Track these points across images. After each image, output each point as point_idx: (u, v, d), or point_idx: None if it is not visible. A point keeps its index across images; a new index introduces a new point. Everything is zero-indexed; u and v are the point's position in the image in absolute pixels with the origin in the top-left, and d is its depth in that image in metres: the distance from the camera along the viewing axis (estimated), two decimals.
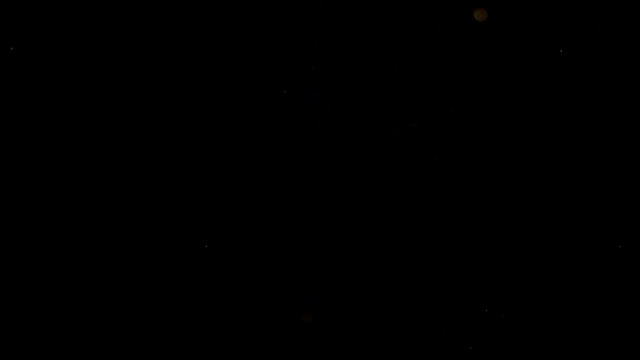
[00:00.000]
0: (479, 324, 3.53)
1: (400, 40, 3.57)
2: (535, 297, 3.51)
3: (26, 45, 3.59)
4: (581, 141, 3.53)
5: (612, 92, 3.53)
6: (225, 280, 3.58)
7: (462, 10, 3.56)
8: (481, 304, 3.53)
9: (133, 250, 3.57)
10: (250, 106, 3.60)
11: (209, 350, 3.56)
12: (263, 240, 3.58)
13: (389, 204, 3.57)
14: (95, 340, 3.55)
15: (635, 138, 3.52)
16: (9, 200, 3.58)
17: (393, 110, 3.57)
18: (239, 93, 3.60)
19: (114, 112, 3.59)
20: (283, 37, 3.59)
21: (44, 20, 3.59)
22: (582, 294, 3.51)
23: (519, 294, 3.52)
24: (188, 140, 3.59)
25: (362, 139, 3.58)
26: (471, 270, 3.54)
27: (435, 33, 3.56)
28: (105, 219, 3.58)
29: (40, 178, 3.58)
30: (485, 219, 3.54)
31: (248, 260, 3.58)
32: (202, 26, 3.59)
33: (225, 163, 3.59)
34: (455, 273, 3.54)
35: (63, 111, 3.59)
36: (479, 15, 3.20)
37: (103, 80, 3.59)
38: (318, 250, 3.58)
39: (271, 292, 3.57)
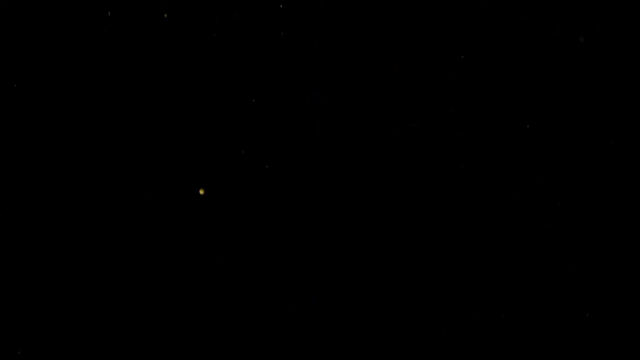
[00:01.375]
0: (479, 324, 3.53)
1: (400, 40, 3.57)
2: (535, 297, 3.51)
3: (26, 45, 3.59)
4: (581, 141, 3.53)
5: (612, 92, 3.53)
6: (225, 280, 3.58)
7: (462, 10, 3.56)
8: (481, 304, 3.53)
9: (133, 250, 3.57)
10: (250, 106, 3.60)
11: (209, 350, 3.56)
12: (263, 240, 3.58)
13: (389, 204, 3.57)
14: (96, 340, 3.55)
15: (636, 138, 3.52)
16: (9, 201, 3.58)
17: (393, 110, 3.57)
18: (239, 93, 3.60)
19: (113, 112, 3.59)
20: (283, 37, 3.59)
21: (44, 20, 3.59)
22: (582, 294, 3.51)
23: (519, 293, 3.52)
24: (188, 140, 3.59)
25: (362, 139, 3.57)
26: (471, 270, 3.54)
27: (435, 33, 3.56)
28: (106, 219, 3.58)
29: (40, 178, 3.58)
30: (485, 219, 3.54)
31: (248, 260, 3.58)
32: (202, 26, 3.59)
33: (225, 163, 3.59)
34: (455, 273, 3.54)
35: (63, 111, 3.59)
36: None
37: (103, 80, 3.59)
38: (318, 250, 3.58)
39: (271, 292, 3.57)
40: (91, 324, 3.55)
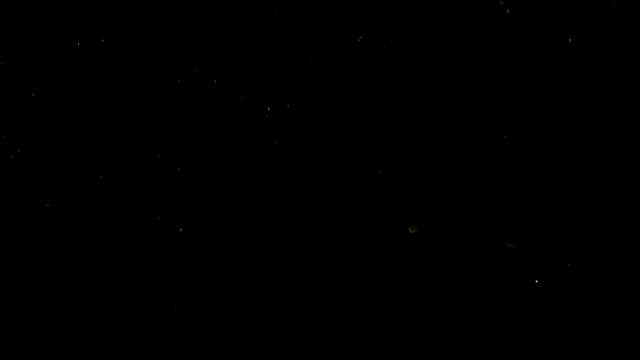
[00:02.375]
0: (478, 324, 3.53)
1: (400, 39, 3.57)
2: (534, 298, 3.51)
3: (26, 45, 3.60)
4: (581, 141, 3.53)
5: (612, 91, 3.52)
6: (226, 280, 3.59)
7: (463, 11, 3.56)
8: (481, 304, 3.53)
9: (133, 250, 3.59)
10: (250, 106, 3.61)
11: (209, 350, 3.57)
12: (263, 239, 3.59)
13: (389, 204, 3.57)
14: (96, 340, 3.57)
15: (636, 138, 3.51)
16: (8, 200, 3.60)
17: (393, 110, 3.58)
18: (240, 93, 3.61)
19: (113, 112, 3.60)
20: (283, 37, 3.59)
21: (44, 20, 3.61)
22: (582, 294, 3.51)
23: (518, 295, 3.52)
24: (187, 140, 3.60)
25: (362, 139, 3.58)
26: (471, 270, 3.54)
27: (436, 32, 3.56)
28: (105, 218, 3.59)
29: (39, 178, 3.59)
30: (485, 219, 3.55)
31: (248, 259, 3.59)
32: (202, 26, 3.60)
33: (225, 163, 3.60)
34: (455, 273, 3.54)
35: (63, 111, 3.61)
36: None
37: (102, 80, 3.60)
38: (319, 250, 3.58)
39: (272, 291, 3.58)
40: (91, 323, 3.57)
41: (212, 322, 3.58)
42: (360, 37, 3.57)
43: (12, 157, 3.60)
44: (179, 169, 3.58)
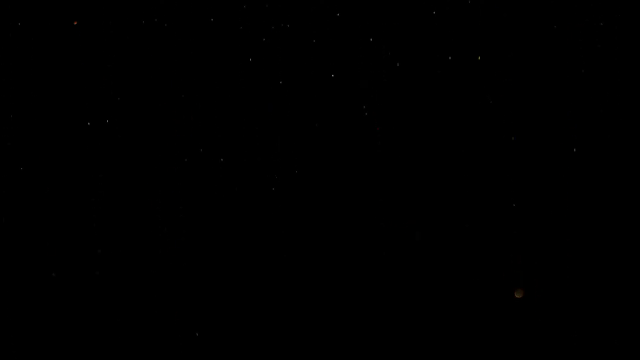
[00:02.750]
0: (478, 324, 3.53)
1: (400, 37, 3.57)
2: (534, 299, 3.52)
3: (26, 45, 3.60)
4: (581, 141, 3.53)
5: (612, 92, 3.53)
6: (226, 280, 3.59)
7: (462, 10, 3.56)
8: (480, 304, 3.53)
9: (133, 250, 3.59)
10: (251, 106, 3.61)
11: (209, 351, 3.57)
12: (264, 239, 3.59)
13: (389, 203, 3.57)
14: (95, 340, 3.57)
15: (636, 138, 3.52)
16: (8, 200, 3.60)
17: (393, 109, 3.58)
18: (240, 93, 3.61)
19: (113, 113, 3.60)
20: (283, 37, 3.59)
21: (44, 20, 3.60)
22: (582, 295, 3.52)
23: (516, 296, 3.53)
24: (187, 140, 3.60)
25: (362, 139, 3.58)
26: (470, 271, 3.54)
27: (434, 32, 3.56)
28: (104, 219, 3.59)
29: (38, 178, 3.60)
30: (485, 219, 3.55)
31: (249, 260, 3.59)
32: (201, 26, 3.60)
33: (226, 163, 3.60)
34: (455, 273, 3.54)
35: (63, 112, 3.61)
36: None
37: (101, 81, 3.60)
38: (320, 250, 3.58)
39: (273, 291, 3.58)
40: (91, 324, 3.57)
41: (215, 331, 3.58)
42: (362, 39, 3.58)
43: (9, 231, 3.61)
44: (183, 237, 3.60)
